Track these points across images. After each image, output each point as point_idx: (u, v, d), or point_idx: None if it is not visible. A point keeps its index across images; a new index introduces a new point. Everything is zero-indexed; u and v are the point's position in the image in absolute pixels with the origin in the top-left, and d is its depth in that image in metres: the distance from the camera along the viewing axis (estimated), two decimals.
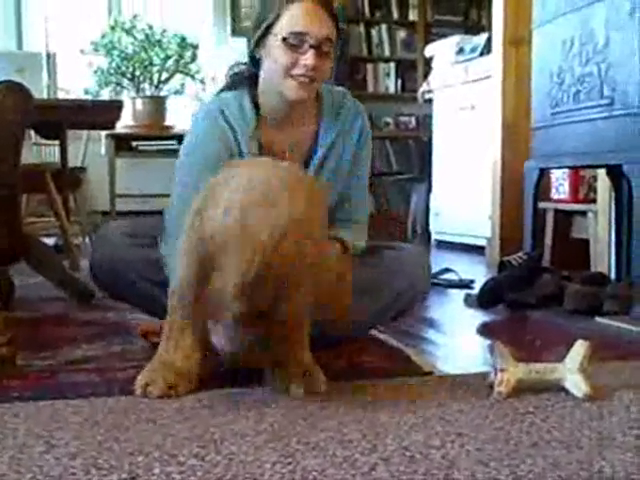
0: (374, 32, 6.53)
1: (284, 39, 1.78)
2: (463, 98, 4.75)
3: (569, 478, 1.09)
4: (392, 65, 6.57)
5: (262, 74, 1.88)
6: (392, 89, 6.59)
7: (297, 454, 1.17)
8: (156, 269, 1.82)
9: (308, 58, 1.78)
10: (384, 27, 6.55)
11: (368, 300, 1.90)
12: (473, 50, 4.73)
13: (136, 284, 1.87)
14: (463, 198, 4.76)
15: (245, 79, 1.93)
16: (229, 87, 1.96)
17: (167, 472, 1.10)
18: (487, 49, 4.50)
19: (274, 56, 1.81)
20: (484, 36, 4.70)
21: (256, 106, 1.90)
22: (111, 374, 1.66)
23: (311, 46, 1.78)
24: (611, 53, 2.61)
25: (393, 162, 6.42)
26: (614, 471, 1.12)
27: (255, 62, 1.89)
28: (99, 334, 2.11)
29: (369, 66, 6.53)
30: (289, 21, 1.78)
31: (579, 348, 1.53)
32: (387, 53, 6.56)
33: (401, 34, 6.61)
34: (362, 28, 6.49)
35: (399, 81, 6.59)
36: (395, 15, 6.60)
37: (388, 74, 6.56)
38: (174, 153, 4.98)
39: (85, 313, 2.49)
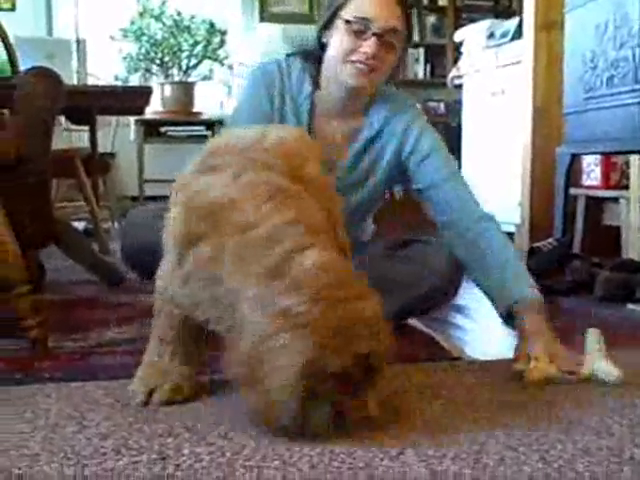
0: None
1: (348, 22, 1.74)
2: (493, 83, 4.69)
3: (599, 464, 1.09)
4: (421, 50, 6.54)
5: (325, 58, 1.84)
6: (421, 75, 6.55)
7: (325, 437, 1.17)
8: None
9: (369, 45, 1.73)
10: (414, 12, 6.50)
11: (397, 294, 1.84)
12: (504, 35, 4.66)
13: None
14: (492, 184, 4.72)
15: (313, 58, 1.89)
16: (299, 54, 1.92)
17: (196, 453, 1.11)
18: (518, 34, 4.44)
19: (337, 39, 1.78)
20: (515, 21, 4.63)
21: (314, 87, 1.87)
22: (142, 356, 1.67)
23: (374, 34, 1.73)
24: None
25: None
26: None
27: (322, 47, 1.85)
28: (130, 317, 2.13)
29: None
30: (357, 5, 1.75)
31: (595, 336, 1.51)
32: (416, 38, 6.51)
33: (430, 19, 6.56)
34: None
35: (428, 66, 6.55)
36: (424, 0, 6.56)
37: (417, 59, 6.52)
38: (203, 139, 5.01)
39: (116, 296, 2.51)
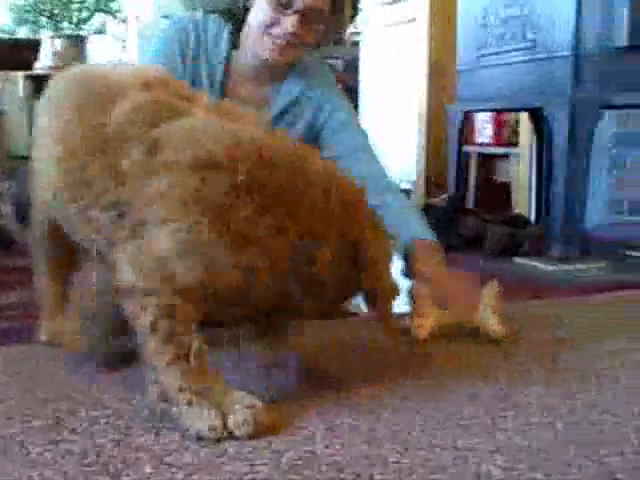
0: None
1: None
2: (390, 40, 4.73)
3: (488, 408, 1.14)
4: None
5: (246, 23, 1.77)
6: None
7: None
8: None
9: (290, 22, 1.67)
10: None
11: None
12: None
13: None
14: (390, 142, 4.79)
15: (233, 18, 1.81)
16: (218, 12, 1.84)
17: (93, 416, 1.10)
18: None
19: (258, 10, 1.71)
20: None
21: (231, 48, 1.81)
22: (35, 321, 1.64)
23: (297, 11, 1.67)
24: None
25: None
26: (529, 402, 1.18)
27: (244, 8, 1.77)
28: (23, 281, 2.07)
29: None
30: None
31: (492, 291, 1.57)
32: None
33: None
34: None
35: None
36: None
37: None
38: None
39: (9, 259, 2.43)
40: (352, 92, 5.99)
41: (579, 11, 2.43)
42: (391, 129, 4.77)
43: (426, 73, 4.13)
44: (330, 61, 6.49)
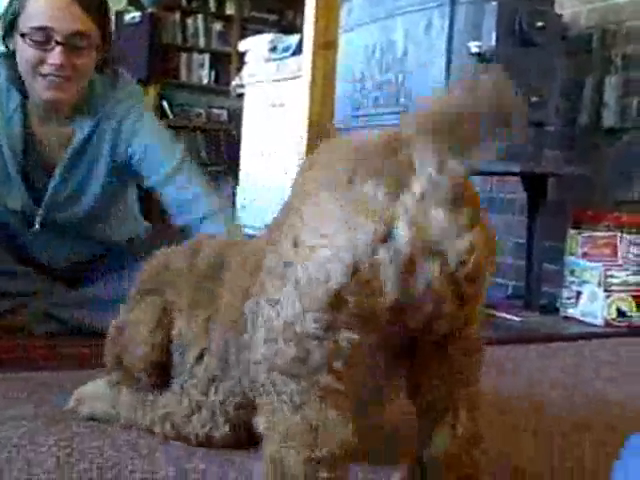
0: (190, 21, 6.48)
1: (24, 35, 1.59)
2: (273, 95, 4.83)
3: None
4: (206, 56, 6.57)
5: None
6: (205, 80, 6.58)
7: (76, 437, 1.16)
8: None
9: (55, 56, 1.59)
10: (200, 17, 6.52)
11: None
12: (285, 49, 4.82)
13: None
14: (270, 192, 4.85)
15: (14, 64, 1.70)
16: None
17: None
18: (299, 49, 4.61)
19: (21, 50, 1.62)
20: (296, 37, 4.80)
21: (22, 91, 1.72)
22: None
23: (58, 42, 1.59)
24: (408, 64, 2.79)
25: (203, 154, 6.41)
26: None
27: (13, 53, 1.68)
28: None
29: (183, 55, 6.48)
30: (33, 13, 1.58)
31: None
32: (202, 44, 6.54)
33: (217, 26, 6.61)
34: (178, 16, 6.42)
35: (212, 73, 6.59)
36: (212, 7, 6.60)
37: (202, 65, 6.54)
38: None
39: None
40: (234, 141, 6.05)
41: (448, 82, 2.57)
42: (271, 179, 4.83)
43: (306, 128, 4.23)
44: (215, 110, 6.55)
